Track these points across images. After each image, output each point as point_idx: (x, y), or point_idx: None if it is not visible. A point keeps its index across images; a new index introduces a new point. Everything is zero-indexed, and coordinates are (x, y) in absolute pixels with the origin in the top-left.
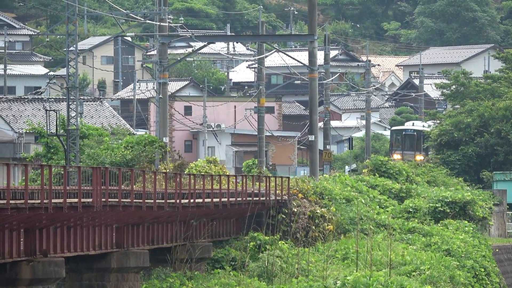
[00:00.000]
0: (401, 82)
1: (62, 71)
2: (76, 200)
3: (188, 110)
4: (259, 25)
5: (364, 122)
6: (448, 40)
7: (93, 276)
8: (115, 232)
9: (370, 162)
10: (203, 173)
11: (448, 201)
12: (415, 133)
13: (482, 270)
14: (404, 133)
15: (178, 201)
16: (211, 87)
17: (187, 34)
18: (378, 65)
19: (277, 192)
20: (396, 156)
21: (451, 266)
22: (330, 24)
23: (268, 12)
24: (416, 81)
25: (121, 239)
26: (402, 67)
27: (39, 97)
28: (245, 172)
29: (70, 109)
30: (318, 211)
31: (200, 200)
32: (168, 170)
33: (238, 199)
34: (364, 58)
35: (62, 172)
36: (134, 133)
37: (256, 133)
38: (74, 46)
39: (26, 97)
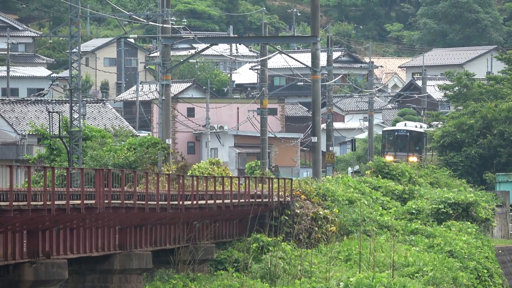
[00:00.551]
0: (404, 83)
1: (65, 73)
2: (79, 201)
3: (191, 112)
4: (262, 26)
5: (367, 123)
6: (451, 42)
7: (96, 278)
8: (118, 233)
9: (373, 164)
10: (206, 175)
11: (451, 203)
12: (408, 134)
13: (485, 271)
14: (396, 133)
15: (181, 202)
16: (214, 89)
17: (190, 36)
18: (381, 66)
19: (280, 193)
20: (388, 158)
21: (454, 267)
22: (333, 25)
23: (271, 13)
24: (419, 83)
25: (124, 241)
26: (405, 68)
27: (42, 99)
28: (248, 174)
29: (73, 111)
30: (321, 212)
31: (203, 202)
32: (171, 172)
33: (241, 200)
34: (367, 59)
35: (65, 174)
36: (137, 134)
37: (259, 135)
38: (77, 48)
39: (29, 99)
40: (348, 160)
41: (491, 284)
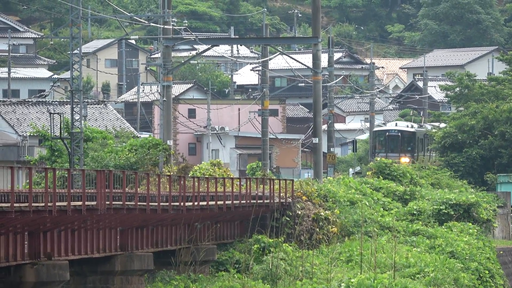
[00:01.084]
0: (405, 84)
1: (66, 74)
2: (80, 203)
3: (192, 113)
4: (263, 27)
5: (368, 124)
6: (452, 43)
7: (97, 279)
8: (119, 235)
9: (374, 165)
10: (207, 176)
11: (452, 203)
12: (399, 134)
13: (487, 272)
14: (387, 134)
15: (182, 204)
16: (215, 90)
17: (191, 37)
18: (382, 67)
19: (281, 194)
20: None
21: (455, 268)
22: (334, 26)
23: (272, 14)
24: (420, 84)
25: (125, 242)
26: (406, 69)
27: (43, 100)
28: (249, 175)
29: (74, 112)
30: (322, 213)
31: (204, 203)
32: (172, 173)
33: (242, 201)
34: (368, 60)
35: (66, 175)
36: (138, 136)
37: (260, 136)
38: (78, 49)
39: (30, 100)
40: (349, 161)
41: (493, 285)
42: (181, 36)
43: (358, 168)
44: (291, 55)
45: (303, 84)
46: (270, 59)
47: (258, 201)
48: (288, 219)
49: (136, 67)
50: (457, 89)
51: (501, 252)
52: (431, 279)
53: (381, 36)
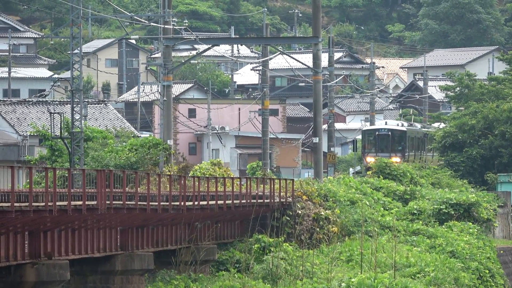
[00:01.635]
0: (405, 84)
1: (67, 74)
2: (80, 202)
3: (192, 113)
4: (263, 27)
5: (368, 124)
6: (452, 42)
7: (98, 279)
8: (119, 234)
9: (375, 164)
10: (207, 176)
11: (453, 203)
12: (390, 133)
13: (487, 271)
14: (377, 133)
15: (182, 203)
16: (215, 90)
17: (191, 37)
18: (383, 67)
19: (282, 194)
20: (369, 159)
21: (456, 268)
22: (334, 26)
23: (272, 14)
24: (420, 83)
25: (126, 242)
26: (406, 69)
27: (44, 99)
28: (250, 174)
29: (74, 112)
30: (322, 213)
31: (205, 203)
32: (172, 173)
33: (242, 201)
34: (368, 60)
35: (67, 175)
36: (139, 135)
37: (260, 136)
38: (79, 48)
39: (30, 100)
40: (349, 161)
41: (493, 284)
42: (182, 36)
43: (358, 168)
44: (291, 55)
45: (304, 84)
46: (271, 58)
47: (259, 201)
48: (288, 218)
49: (137, 66)
50: (458, 89)
51: (502, 251)
52: (431, 279)
53: (382, 36)
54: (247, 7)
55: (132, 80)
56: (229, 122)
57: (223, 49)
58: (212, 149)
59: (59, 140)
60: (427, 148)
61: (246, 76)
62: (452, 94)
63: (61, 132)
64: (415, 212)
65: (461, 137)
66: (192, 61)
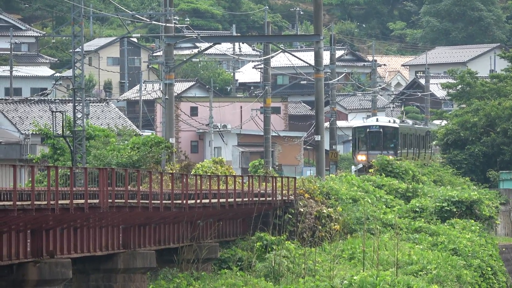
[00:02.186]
0: (407, 82)
1: (68, 72)
2: (82, 201)
3: (194, 111)
4: (265, 25)
5: None
6: (454, 40)
7: (100, 277)
8: (121, 233)
9: (377, 162)
10: (209, 174)
11: (455, 201)
12: (381, 130)
13: (489, 269)
14: (368, 130)
15: (184, 201)
16: (217, 88)
17: (193, 35)
18: (384, 65)
19: (284, 192)
20: (360, 158)
21: (458, 265)
22: (336, 24)
23: (273, 12)
24: (422, 81)
25: (128, 240)
26: (408, 66)
27: (45, 98)
28: (252, 173)
29: (76, 110)
30: (324, 211)
31: (207, 201)
32: (174, 171)
33: (244, 199)
34: (370, 58)
35: (69, 173)
36: (140, 134)
37: (262, 134)
38: (80, 47)
39: (32, 98)
40: (351, 159)
41: (495, 282)
42: (183, 34)
43: (360, 166)
44: (293, 53)
45: (305, 82)
46: (272, 57)
47: (261, 199)
48: (290, 216)
49: (138, 65)
50: (459, 86)
51: (504, 249)
52: (433, 276)
53: (383, 34)
54: (248, 5)
55: (134, 79)
56: (231, 120)
57: (224, 47)
58: (214, 147)
59: (61, 138)
60: (428, 146)
61: (248, 74)
62: (453, 91)
63: (63, 130)
64: (417, 209)
65: (463, 134)
66: (193, 59)
